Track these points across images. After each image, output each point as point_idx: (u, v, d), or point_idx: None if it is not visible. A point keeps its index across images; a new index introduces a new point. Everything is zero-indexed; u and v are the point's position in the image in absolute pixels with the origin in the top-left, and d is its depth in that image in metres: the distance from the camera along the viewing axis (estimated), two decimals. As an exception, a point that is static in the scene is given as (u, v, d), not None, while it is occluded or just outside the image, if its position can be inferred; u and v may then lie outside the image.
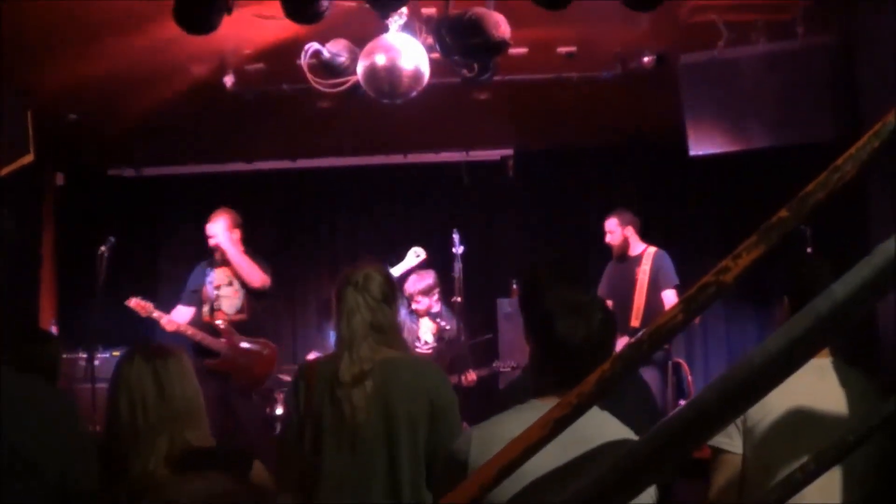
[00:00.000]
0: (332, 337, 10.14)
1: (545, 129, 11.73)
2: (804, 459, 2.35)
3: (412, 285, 9.87)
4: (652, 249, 9.75)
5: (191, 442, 3.70)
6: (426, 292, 9.85)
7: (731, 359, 11.55)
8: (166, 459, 3.62)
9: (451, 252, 9.71)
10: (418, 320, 9.92)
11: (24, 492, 3.46)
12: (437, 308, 10.00)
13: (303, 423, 4.57)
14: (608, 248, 9.98)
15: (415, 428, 4.45)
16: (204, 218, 9.77)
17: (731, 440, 4.05)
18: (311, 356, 9.98)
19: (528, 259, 11.68)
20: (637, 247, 9.83)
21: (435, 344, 9.93)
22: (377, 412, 4.46)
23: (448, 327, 9.95)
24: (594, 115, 10.74)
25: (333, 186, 12.91)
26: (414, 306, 9.89)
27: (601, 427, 3.23)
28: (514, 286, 10.56)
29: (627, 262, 9.82)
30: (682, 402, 8.87)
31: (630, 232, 9.81)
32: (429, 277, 9.91)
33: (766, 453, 3.96)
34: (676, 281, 9.50)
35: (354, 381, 4.48)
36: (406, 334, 9.53)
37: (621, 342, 8.89)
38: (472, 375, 9.82)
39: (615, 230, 9.85)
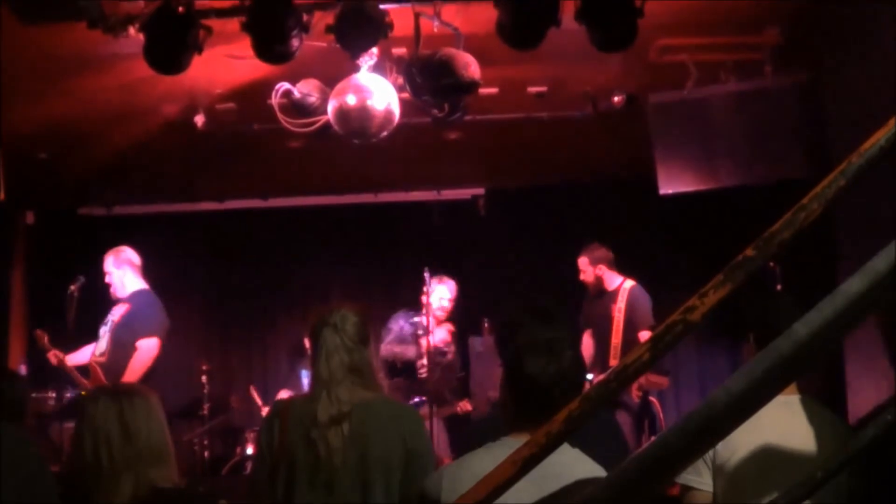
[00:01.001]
0: (303, 376, 10.10)
1: (516, 168, 11.76)
2: (773, 496, 2.35)
3: (440, 293, 9.91)
4: (628, 284, 9.62)
5: (156, 482, 3.67)
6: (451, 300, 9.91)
7: (703, 397, 11.54)
8: (132, 499, 3.60)
9: (423, 291, 9.72)
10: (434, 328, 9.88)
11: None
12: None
13: (275, 463, 4.54)
14: (582, 285, 9.94)
15: (389, 471, 4.42)
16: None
17: (700, 477, 4.06)
18: (283, 395, 9.95)
19: (500, 297, 11.67)
20: (613, 281, 9.72)
21: (453, 349, 9.91)
22: (352, 454, 4.43)
23: (446, 350, 9.94)
24: (565, 153, 10.79)
25: (305, 226, 12.89)
26: (438, 311, 9.88)
27: (573, 464, 3.24)
28: (486, 325, 10.54)
29: (604, 297, 9.71)
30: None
31: (602, 269, 9.72)
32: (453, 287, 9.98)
33: (735, 490, 3.97)
34: (652, 321, 9.43)
35: (332, 422, 4.45)
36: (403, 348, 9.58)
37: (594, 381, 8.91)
38: (467, 405, 9.77)
39: (587, 269, 9.77)
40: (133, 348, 8.74)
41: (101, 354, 8.97)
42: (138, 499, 3.61)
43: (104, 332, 9.04)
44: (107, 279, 9.15)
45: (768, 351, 1.83)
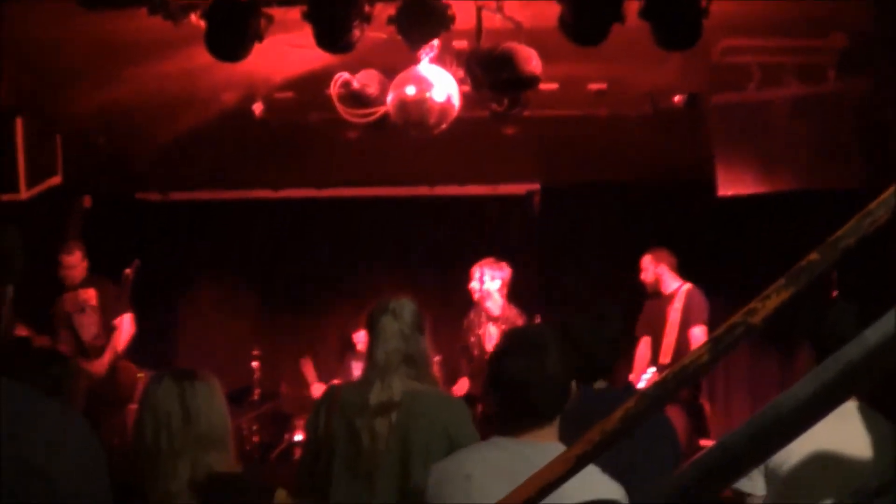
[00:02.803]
0: (353, 367, 10.12)
1: (573, 165, 11.70)
2: (826, 503, 2.33)
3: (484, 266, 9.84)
4: (686, 287, 9.63)
5: (214, 467, 3.68)
6: (497, 275, 9.80)
7: (752, 399, 11.47)
8: (189, 483, 3.61)
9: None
10: (486, 325, 9.84)
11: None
12: (497, 312, 9.86)
13: (319, 450, 4.58)
14: (633, 285, 9.93)
15: (430, 460, 4.44)
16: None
17: (753, 482, 4.03)
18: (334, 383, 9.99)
19: (551, 294, 11.64)
20: (671, 285, 9.71)
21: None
22: (395, 443, 4.47)
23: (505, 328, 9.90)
24: (622, 152, 10.72)
25: (358, 216, 12.87)
26: (475, 283, 9.82)
27: (589, 483, 3.19)
28: (537, 321, 10.52)
29: (660, 299, 9.72)
30: (702, 441, 8.83)
31: (663, 269, 9.71)
32: (505, 268, 9.86)
33: (788, 496, 3.93)
34: (705, 318, 9.40)
35: (381, 409, 4.51)
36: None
37: (652, 378, 8.93)
38: (464, 384, 9.75)
39: (648, 268, 9.79)
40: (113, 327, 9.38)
41: (96, 338, 9.43)
42: (195, 483, 3.63)
43: (80, 317, 9.48)
44: (69, 272, 9.58)
45: (837, 357, 1.80)
